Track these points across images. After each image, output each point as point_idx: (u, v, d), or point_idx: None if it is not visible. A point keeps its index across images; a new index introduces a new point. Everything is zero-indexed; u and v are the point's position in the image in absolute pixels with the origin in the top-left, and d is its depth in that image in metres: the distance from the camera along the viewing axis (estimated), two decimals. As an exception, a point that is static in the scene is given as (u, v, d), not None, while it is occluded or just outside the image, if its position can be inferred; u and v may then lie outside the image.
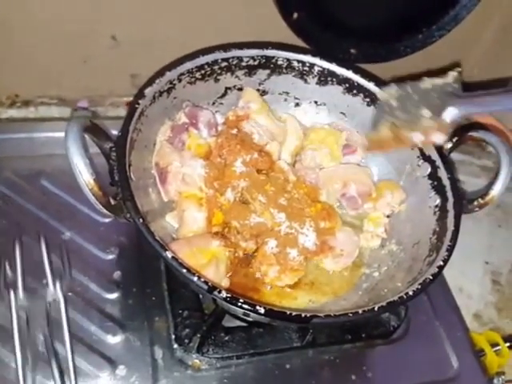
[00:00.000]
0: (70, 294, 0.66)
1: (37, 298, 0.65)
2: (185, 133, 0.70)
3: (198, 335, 0.64)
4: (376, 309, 0.56)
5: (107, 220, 0.73)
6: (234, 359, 0.65)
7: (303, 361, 0.68)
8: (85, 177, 0.55)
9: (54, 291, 0.65)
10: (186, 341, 0.64)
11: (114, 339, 0.64)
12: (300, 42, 0.79)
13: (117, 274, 0.69)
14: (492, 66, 0.99)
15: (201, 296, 0.67)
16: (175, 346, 0.64)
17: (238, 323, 0.68)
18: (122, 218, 0.59)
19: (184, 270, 0.53)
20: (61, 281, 0.66)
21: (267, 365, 0.66)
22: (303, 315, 0.54)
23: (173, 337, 0.65)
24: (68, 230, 0.72)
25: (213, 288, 0.53)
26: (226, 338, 0.65)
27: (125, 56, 0.82)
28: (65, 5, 0.74)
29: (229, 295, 0.53)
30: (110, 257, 0.71)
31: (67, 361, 0.60)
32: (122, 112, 0.88)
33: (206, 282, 0.53)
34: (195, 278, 0.53)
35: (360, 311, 0.55)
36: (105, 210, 0.58)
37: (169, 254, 0.54)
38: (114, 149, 0.61)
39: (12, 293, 0.63)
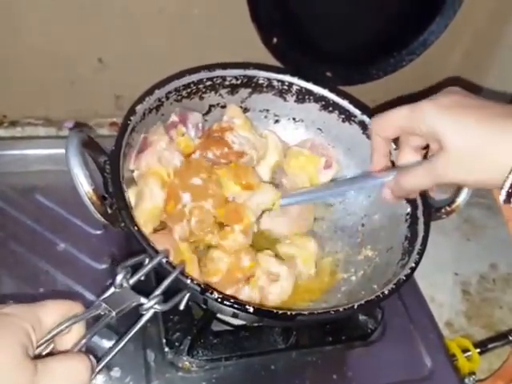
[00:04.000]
0: (64, 301, 0.69)
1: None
2: (174, 130, 0.71)
3: (188, 338, 0.65)
4: (356, 307, 0.58)
5: (99, 232, 0.75)
6: (222, 361, 0.67)
7: (287, 362, 0.69)
8: (85, 187, 0.57)
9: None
10: (177, 344, 0.66)
11: (109, 343, 0.66)
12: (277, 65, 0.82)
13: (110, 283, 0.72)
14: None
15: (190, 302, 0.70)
16: (166, 349, 0.66)
17: (226, 327, 0.70)
18: (117, 227, 0.61)
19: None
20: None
21: (253, 366, 0.68)
22: (289, 313, 0.56)
23: (164, 341, 0.67)
24: (62, 242, 0.74)
25: (205, 289, 0.55)
26: (215, 341, 0.67)
27: (110, 78, 0.84)
28: (53, 28, 0.77)
29: (220, 296, 0.55)
30: (103, 266, 0.74)
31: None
32: (106, 132, 0.91)
33: (198, 284, 0.55)
34: (188, 281, 0.55)
35: (341, 309, 0.57)
36: (102, 219, 0.59)
37: (164, 259, 0.55)
38: (108, 162, 0.63)
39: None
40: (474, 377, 0.79)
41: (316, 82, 0.79)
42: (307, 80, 0.79)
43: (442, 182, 0.56)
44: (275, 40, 0.79)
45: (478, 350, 0.84)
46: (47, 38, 0.78)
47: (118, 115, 0.90)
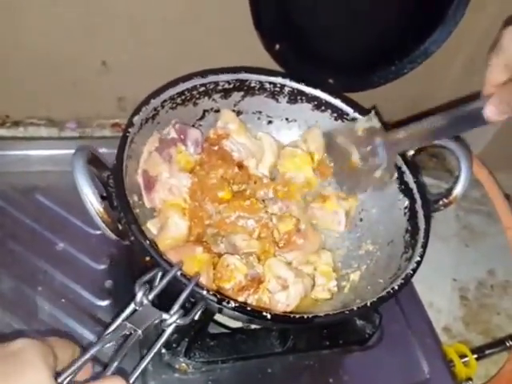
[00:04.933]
0: (63, 300, 0.69)
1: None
2: (173, 147, 0.72)
3: (186, 340, 0.65)
4: (369, 304, 0.60)
5: (98, 232, 0.76)
6: (219, 363, 0.67)
7: (284, 365, 0.70)
8: (95, 206, 0.58)
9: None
10: (174, 345, 0.65)
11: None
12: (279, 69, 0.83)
13: (108, 283, 0.72)
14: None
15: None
16: (163, 350, 0.66)
17: (223, 330, 0.70)
18: (127, 241, 0.61)
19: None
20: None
21: (250, 369, 0.68)
22: (305, 316, 0.57)
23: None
24: (61, 242, 0.75)
25: (221, 299, 0.55)
26: (212, 344, 0.67)
27: (113, 80, 0.85)
28: (57, 31, 0.77)
29: (237, 305, 0.55)
30: (102, 266, 0.74)
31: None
32: (108, 133, 0.92)
33: (215, 295, 0.55)
34: (204, 292, 0.55)
35: (355, 308, 0.59)
36: (113, 236, 0.60)
37: (179, 272, 0.55)
38: (111, 177, 0.63)
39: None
40: (470, 382, 0.80)
41: (308, 83, 0.80)
42: (299, 81, 0.80)
43: None
44: (278, 47, 0.80)
45: (476, 356, 0.83)
46: (51, 40, 0.78)
47: (120, 116, 0.91)
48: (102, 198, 0.60)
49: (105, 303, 0.71)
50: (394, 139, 0.70)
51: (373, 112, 0.74)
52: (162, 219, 0.68)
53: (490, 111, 0.60)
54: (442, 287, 0.95)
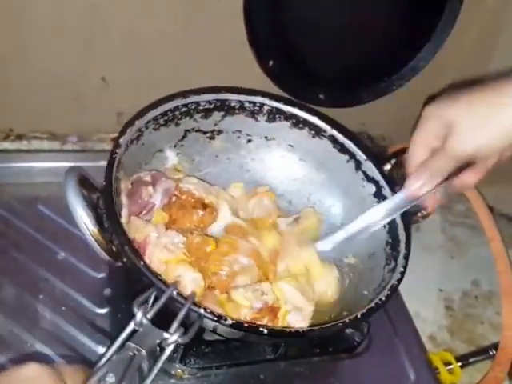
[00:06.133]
0: (63, 308, 0.71)
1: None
2: (144, 187, 0.70)
3: (181, 346, 0.66)
4: (360, 316, 0.61)
5: (98, 243, 0.79)
6: (213, 369, 0.68)
7: (276, 372, 0.71)
8: (90, 228, 0.59)
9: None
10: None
11: (104, 349, 0.69)
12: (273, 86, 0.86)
13: (107, 291, 0.74)
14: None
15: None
16: None
17: (217, 337, 0.72)
18: (120, 263, 0.61)
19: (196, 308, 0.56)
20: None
21: (243, 375, 0.70)
22: (301, 330, 0.59)
23: (158, 349, 0.69)
24: (62, 251, 0.77)
25: (219, 317, 0.56)
26: (207, 350, 0.68)
27: (112, 96, 0.87)
28: (58, 47, 0.80)
29: (234, 321, 0.56)
30: (101, 275, 0.76)
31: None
32: (108, 146, 0.93)
33: (212, 313, 0.56)
34: (202, 311, 0.55)
35: (347, 320, 0.60)
36: (108, 257, 0.61)
37: (175, 292, 0.56)
38: (101, 198, 0.63)
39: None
40: (455, 389, 0.82)
41: (286, 101, 0.81)
42: (277, 100, 0.80)
43: (460, 157, 0.61)
44: (271, 63, 0.83)
45: (460, 364, 0.86)
46: (53, 56, 0.81)
47: (120, 131, 0.93)
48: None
49: (104, 311, 0.73)
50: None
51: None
52: (173, 277, 0.64)
53: (408, 194, 0.67)
54: (427, 297, 0.97)
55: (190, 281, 0.64)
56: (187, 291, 0.63)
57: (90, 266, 0.76)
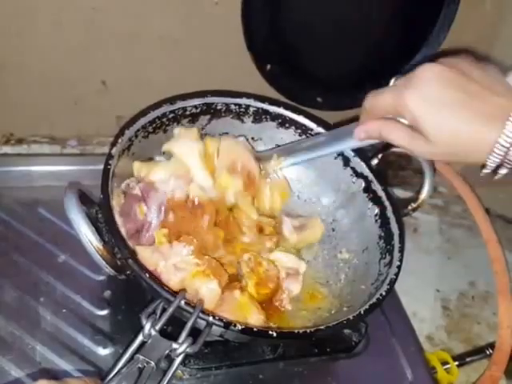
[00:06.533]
0: (64, 310, 0.72)
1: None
2: (136, 204, 0.68)
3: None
4: (363, 312, 0.62)
5: (98, 245, 0.79)
6: (213, 370, 0.69)
7: (275, 372, 0.72)
8: (94, 244, 0.59)
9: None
10: None
11: (105, 351, 0.69)
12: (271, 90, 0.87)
13: (107, 293, 0.75)
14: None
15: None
16: None
17: (217, 338, 0.74)
18: (123, 276, 0.62)
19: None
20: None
21: (243, 375, 0.71)
22: (308, 331, 0.59)
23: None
24: (63, 254, 0.78)
25: (228, 323, 0.56)
26: (206, 351, 0.69)
27: (112, 99, 0.88)
28: (59, 52, 0.81)
29: (243, 327, 0.57)
30: (101, 277, 0.77)
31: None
32: (107, 150, 0.94)
33: (221, 320, 0.56)
34: (210, 318, 0.56)
35: (351, 317, 0.62)
36: (113, 271, 0.61)
37: (183, 301, 0.56)
38: (99, 211, 0.64)
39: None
40: (452, 388, 0.83)
41: (271, 102, 0.81)
42: (262, 100, 0.81)
43: (402, 111, 0.56)
44: (269, 67, 0.84)
45: (457, 363, 0.86)
46: (53, 61, 0.82)
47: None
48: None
49: (104, 312, 0.73)
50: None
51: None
52: (193, 293, 0.65)
53: (358, 132, 0.65)
54: (425, 298, 0.98)
55: (207, 292, 0.65)
56: (211, 301, 0.64)
57: (89, 268, 0.77)
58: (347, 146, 0.72)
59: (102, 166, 0.66)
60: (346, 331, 0.77)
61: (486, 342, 0.93)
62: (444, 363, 0.85)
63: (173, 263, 0.65)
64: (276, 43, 0.84)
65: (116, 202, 0.67)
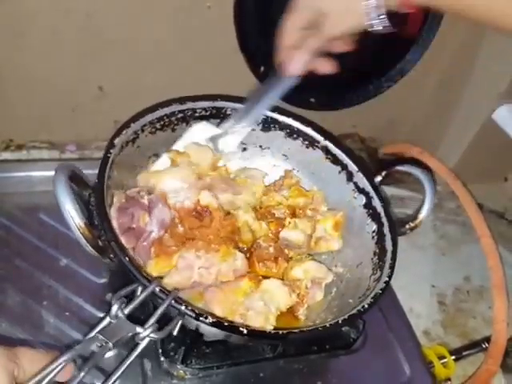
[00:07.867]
0: (67, 313, 0.73)
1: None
2: (141, 211, 0.69)
3: (183, 348, 0.68)
4: (340, 321, 0.62)
5: (99, 248, 0.80)
6: (214, 369, 0.70)
7: (275, 370, 0.73)
8: (76, 221, 0.59)
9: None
10: (172, 353, 0.68)
11: (108, 353, 0.70)
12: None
13: (108, 296, 0.74)
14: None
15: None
16: (162, 358, 0.69)
17: (214, 338, 0.74)
18: (107, 259, 0.62)
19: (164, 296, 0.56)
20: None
21: (243, 373, 0.72)
22: (280, 332, 0.60)
23: (160, 350, 0.69)
24: (64, 258, 0.78)
25: (199, 314, 0.56)
26: (207, 351, 0.70)
27: (109, 104, 0.89)
28: (56, 58, 0.82)
29: (214, 320, 0.56)
30: (102, 281, 0.78)
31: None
32: None
33: (193, 310, 0.56)
34: (182, 307, 0.56)
35: (327, 325, 0.62)
36: (94, 252, 0.61)
37: (157, 288, 0.56)
38: (92, 195, 0.64)
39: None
40: (449, 383, 0.85)
41: (280, 112, 0.82)
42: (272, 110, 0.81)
43: (332, 37, 0.68)
44: (262, 69, 0.84)
45: (454, 358, 0.88)
46: (51, 67, 0.83)
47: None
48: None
49: (105, 315, 0.75)
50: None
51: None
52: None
53: (287, 69, 0.71)
54: (421, 293, 0.99)
55: (238, 263, 0.69)
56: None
57: (91, 271, 0.78)
58: (287, 85, 0.75)
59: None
60: (344, 329, 0.77)
61: (481, 335, 0.95)
62: (441, 357, 0.86)
63: (197, 272, 0.67)
64: (269, 45, 0.84)
65: (117, 199, 0.68)
